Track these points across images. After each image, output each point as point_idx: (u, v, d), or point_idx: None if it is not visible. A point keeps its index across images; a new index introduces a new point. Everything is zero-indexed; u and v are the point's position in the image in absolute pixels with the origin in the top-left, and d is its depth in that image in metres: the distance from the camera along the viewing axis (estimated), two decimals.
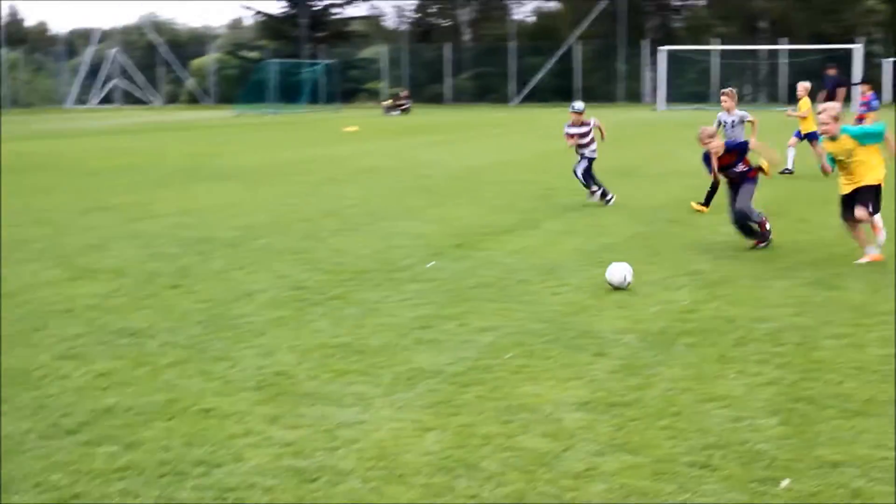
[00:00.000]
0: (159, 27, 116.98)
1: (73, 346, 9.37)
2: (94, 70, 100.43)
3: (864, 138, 13.17)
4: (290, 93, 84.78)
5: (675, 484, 6.03)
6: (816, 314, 10.35)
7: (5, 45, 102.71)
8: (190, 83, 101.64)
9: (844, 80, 30.56)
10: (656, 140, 38.34)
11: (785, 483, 6.00)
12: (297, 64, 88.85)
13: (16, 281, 12.46)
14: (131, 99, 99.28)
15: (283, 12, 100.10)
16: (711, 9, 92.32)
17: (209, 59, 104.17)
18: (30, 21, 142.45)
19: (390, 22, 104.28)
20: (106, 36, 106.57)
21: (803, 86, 26.13)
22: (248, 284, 12.14)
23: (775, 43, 79.77)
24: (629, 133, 41.81)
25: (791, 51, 75.82)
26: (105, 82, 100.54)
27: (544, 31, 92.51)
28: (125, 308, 10.98)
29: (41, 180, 25.99)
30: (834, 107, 13.64)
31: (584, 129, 19.87)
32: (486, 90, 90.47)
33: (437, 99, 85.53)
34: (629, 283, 11.39)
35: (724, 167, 14.80)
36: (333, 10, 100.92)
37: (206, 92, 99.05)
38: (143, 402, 7.71)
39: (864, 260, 13.12)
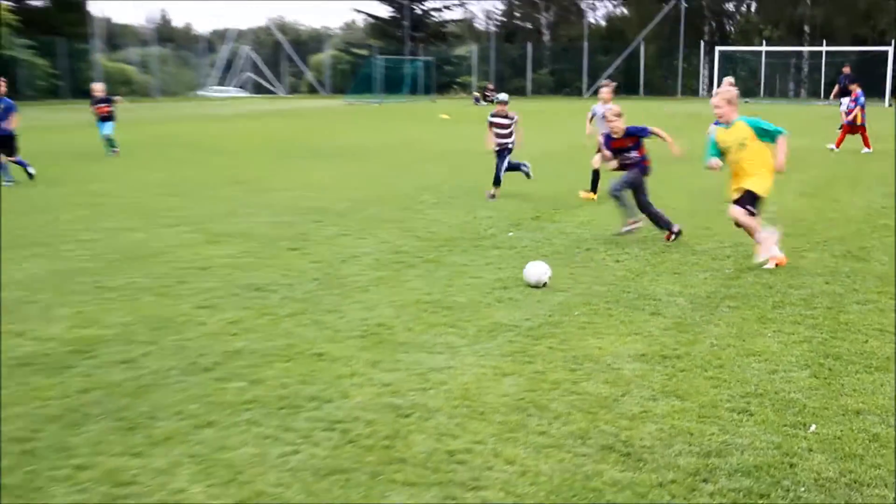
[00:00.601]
0: (284, 28, 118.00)
1: (209, 298, 9.54)
2: (228, 64, 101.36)
3: (761, 132, 10.93)
4: (393, 85, 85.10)
5: (718, 426, 6.03)
6: (845, 282, 10.24)
7: (157, 42, 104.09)
8: (309, 76, 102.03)
9: (855, 78, 30.12)
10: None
11: (813, 428, 5.99)
12: (400, 60, 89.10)
13: (161, 242, 12.67)
14: (260, 89, 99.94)
15: (390, 16, 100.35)
16: (761, 14, 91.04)
17: (325, 56, 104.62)
18: (177, 22, 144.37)
19: (480, 24, 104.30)
20: (240, 35, 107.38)
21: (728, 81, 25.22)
22: (355, 248, 12.24)
23: (817, 45, 78.60)
24: (686, 123, 41.33)
25: (830, 52, 74.53)
26: (239, 74, 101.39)
27: (614, 33, 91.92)
28: (252, 266, 11.13)
29: (183, 157, 26.33)
30: (728, 90, 11.31)
31: (506, 121, 18.09)
32: (562, 84, 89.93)
33: (519, 91, 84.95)
34: (545, 284, 10.07)
35: (619, 149, 13.11)
36: (432, 14, 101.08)
37: (322, 84, 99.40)
38: (266, 346, 7.84)
39: (766, 262, 10.96)
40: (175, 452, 5.67)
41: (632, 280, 10.41)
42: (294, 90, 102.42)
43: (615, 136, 13.06)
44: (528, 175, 18.55)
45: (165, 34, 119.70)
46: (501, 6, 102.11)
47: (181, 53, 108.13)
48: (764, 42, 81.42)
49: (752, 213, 11.00)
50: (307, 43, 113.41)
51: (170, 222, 14.40)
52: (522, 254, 11.78)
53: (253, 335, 8.20)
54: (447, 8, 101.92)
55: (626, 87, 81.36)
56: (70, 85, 79.37)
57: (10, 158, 19.72)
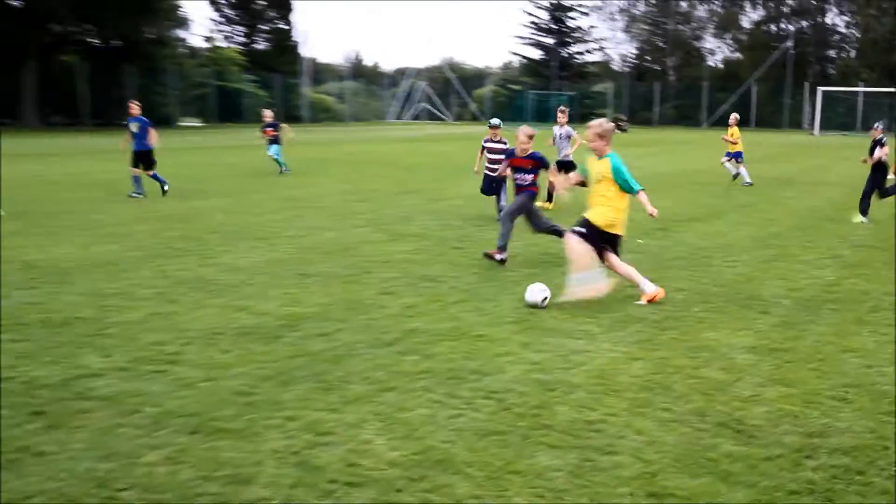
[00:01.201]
0: (453, 67, 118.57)
1: (390, 286, 9.62)
2: (407, 96, 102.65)
3: (620, 179, 9.05)
4: (542, 115, 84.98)
5: (819, 411, 5.82)
6: None
7: (352, 77, 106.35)
8: (472, 106, 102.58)
9: None
10: (813, 157, 36.62)
11: None
12: (547, 94, 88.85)
13: (350, 240, 12.86)
14: (432, 116, 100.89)
15: (541, 58, 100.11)
16: (859, 60, 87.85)
17: (486, 90, 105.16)
18: (367, 61, 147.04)
19: (616, 65, 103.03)
20: (418, 73, 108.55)
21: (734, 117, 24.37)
22: (510, 249, 12.21)
23: None
24: (792, 151, 40.17)
25: None
26: (415, 104, 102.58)
27: (729, 75, 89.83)
28: (425, 261, 11.19)
29: (370, 171, 26.69)
30: (600, 124, 9.36)
31: (500, 146, 15.49)
32: (684, 116, 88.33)
33: (647, 122, 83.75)
34: (546, 302, 8.86)
35: (517, 168, 11.63)
36: (576, 56, 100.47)
37: (483, 112, 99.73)
38: (437, 327, 7.87)
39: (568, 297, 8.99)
40: (363, 410, 5.74)
41: (743, 283, 10.12)
42: (459, 118, 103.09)
43: (519, 154, 11.69)
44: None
45: (358, 71, 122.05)
46: (634, 51, 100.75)
47: (370, 87, 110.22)
48: (861, 84, 78.57)
49: (585, 238, 9.08)
50: (472, 79, 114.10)
51: (358, 223, 14.61)
52: (649, 258, 11.58)
53: (426, 318, 8.24)
54: (588, 52, 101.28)
55: (740, 120, 79.93)
56: (283, 112, 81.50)
57: (147, 172, 18.86)
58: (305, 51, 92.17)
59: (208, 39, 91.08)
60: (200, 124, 74.52)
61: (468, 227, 14.37)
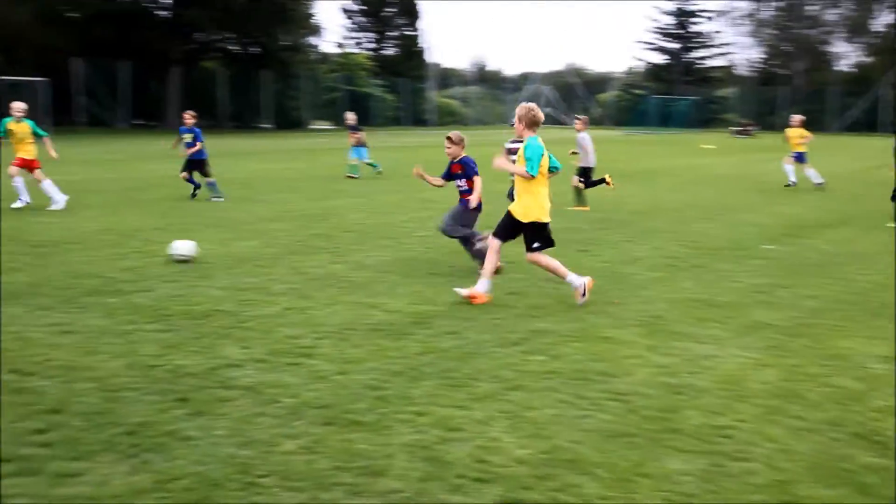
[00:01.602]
0: (577, 72, 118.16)
1: (516, 287, 9.58)
2: (530, 100, 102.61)
3: (525, 155, 8.71)
4: (665, 119, 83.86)
5: None
6: None
7: (476, 82, 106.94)
8: (596, 111, 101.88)
9: None
10: None
11: None
12: (672, 99, 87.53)
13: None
14: (555, 121, 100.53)
15: (664, 62, 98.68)
16: None
17: (609, 95, 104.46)
18: (491, 67, 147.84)
19: (741, 70, 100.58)
20: (542, 78, 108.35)
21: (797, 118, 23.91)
22: (635, 252, 12.05)
23: None
24: None
25: None
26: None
27: (859, 79, 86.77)
28: None
29: (493, 173, 26.56)
30: (521, 107, 8.95)
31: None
32: (811, 122, 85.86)
33: (770, 126, 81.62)
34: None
35: (452, 174, 11.10)
36: (700, 62, 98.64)
37: (608, 117, 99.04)
38: (562, 328, 7.80)
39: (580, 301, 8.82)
40: (491, 408, 5.72)
41: (876, 292, 9.74)
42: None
43: (451, 160, 11.09)
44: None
45: (482, 76, 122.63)
46: (760, 55, 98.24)
47: (494, 92, 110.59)
48: None
49: (535, 249, 8.90)
50: (595, 83, 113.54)
51: (482, 226, 14.57)
52: (778, 264, 11.27)
53: (551, 318, 8.18)
54: (713, 56, 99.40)
55: (868, 124, 77.50)
56: (410, 116, 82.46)
57: (206, 179, 18.51)
58: (432, 56, 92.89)
59: (340, 46, 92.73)
60: (331, 127, 75.81)
61: (594, 230, 14.22)
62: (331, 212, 16.12)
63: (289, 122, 70.55)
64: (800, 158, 22.83)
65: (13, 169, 16.05)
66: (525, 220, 8.85)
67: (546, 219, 8.91)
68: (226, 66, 69.92)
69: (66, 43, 59.86)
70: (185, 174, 18.64)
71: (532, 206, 8.82)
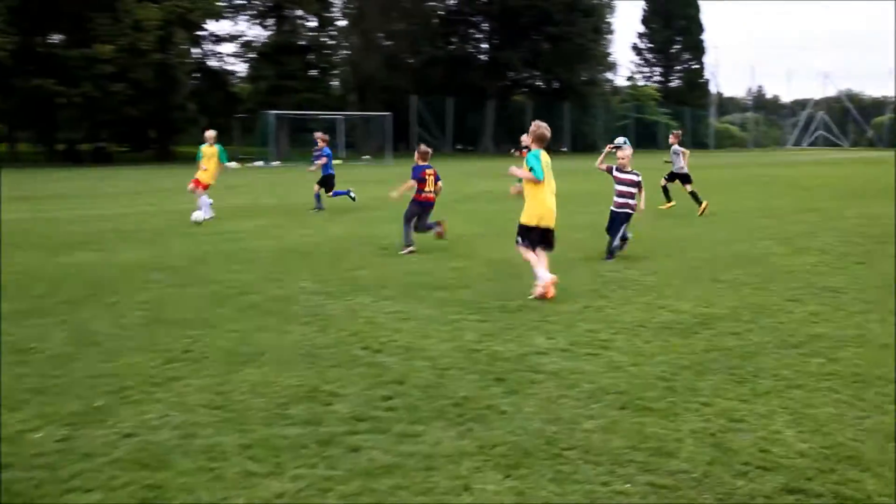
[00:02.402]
0: (851, 97, 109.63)
1: (794, 294, 8.96)
2: (806, 125, 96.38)
3: (528, 164, 8.86)
4: None
5: None
6: None
7: (753, 109, 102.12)
8: (869, 133, 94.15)
9: None
10: None
11: None
12: None
13: (756, 251, 12.20)
14: (828, 143, 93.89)
15: None
16: None
17: (885, 118, 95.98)
18: (768, 94, 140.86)
19: None
20: (815, 103, 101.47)
21: None
22: None
23: None
24: None
25: None
26: (813, 132, 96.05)
27: None
28: (826, 273, 10.32)
29: (772, 191, 25.27)
30: (534, 125, 9.02)
31: (631, 178, 11.62)
32: None
33: None
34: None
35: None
36: None
37: (881, 138, 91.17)
38: (840, 334, 7.20)
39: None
40: (773, 403, 5.41)
41: None
42: (855, 144, 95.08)
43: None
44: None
45: (760, 103, 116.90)
46: None
47: (770, 117, 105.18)
48: None
49: (520, 243, 9.10)
50: (869, 108, 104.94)
51: (763, 237, 13.85)
52: None
53: (830, 324, 7.59)
54: None
55: None
56: (690, 140, 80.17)
57: (328, 194, 19.11)
58: (713, 86, 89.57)
59: (629, 79, 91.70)
60: None
61: (870, 244, 13.05)
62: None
63: (583, 145, 70.72)
64: None
65: (198, 190, 17.17)
66: (521, 221, 9.08)
67: (537, 224, 8.99)
68: (532, 98, 71.10)
69: (406, 84, 63.47)
70: (329, 193, 19.30)
71: (530, 211, 9.02)
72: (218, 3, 55.29)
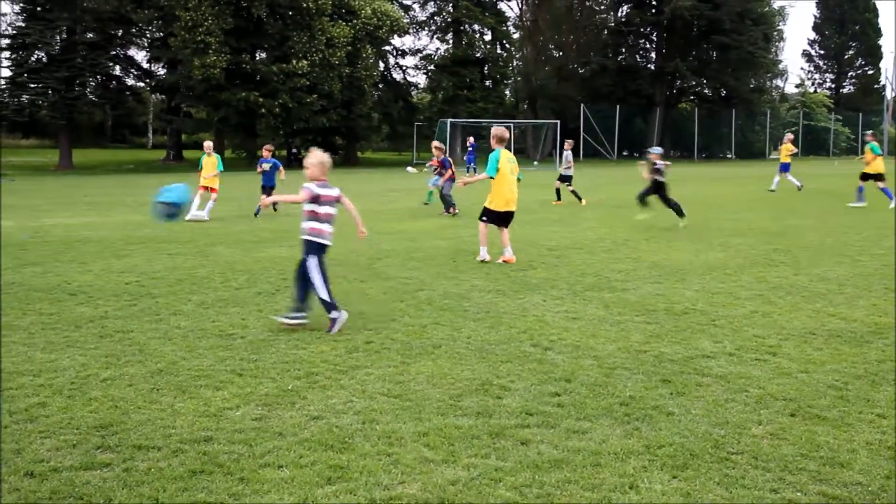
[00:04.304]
0: None
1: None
2: None
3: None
4: None
5: None
6: None
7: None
8: None
9: None
10: None
11: None
12: None
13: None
14: None
15: None
16: None
17: None
18: None
19: None
20: None
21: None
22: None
23: None
24: None
25: None
26: None
27: None
28: None
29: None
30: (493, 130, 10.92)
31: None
32: None
33: None
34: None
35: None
36: None
37: None
38: None
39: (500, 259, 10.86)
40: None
41: None
42: None
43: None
44: None
45: None
46: None
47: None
48: None
49: (483, 221, 10.96)
50: None
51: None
52: None
53: None
54: None
55: None
56: (860, 146, 74.98)
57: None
58: (889, 91, 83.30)
59: (799, 86, 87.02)
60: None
61: None
62: (792, 229, 15.07)
63: (749, 153, 67.72)
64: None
65: (208, 193, 17.94)
66: (489, 206, 10.82)
67: (501, 209, 10.82)
68: (699, 106, 68.73)
69: (576, 92, 62.98)
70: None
71: (498, 199, 10.76)
72: (403, 21, 56.66)
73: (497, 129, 10.82)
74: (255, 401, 5.29)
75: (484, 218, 10.96)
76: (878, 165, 20.07)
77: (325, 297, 7.06)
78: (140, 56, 60.68)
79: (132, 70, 59.25)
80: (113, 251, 12.46)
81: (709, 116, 67.74)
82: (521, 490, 3.96)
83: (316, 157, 7.25)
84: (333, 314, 7.06)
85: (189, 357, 6.32)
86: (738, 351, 6.48)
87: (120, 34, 55.21)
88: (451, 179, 18.25)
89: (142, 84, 61.73)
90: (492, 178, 10.75)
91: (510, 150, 11.40)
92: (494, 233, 11.20)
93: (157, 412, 5.05)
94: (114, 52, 55.18)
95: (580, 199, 20.70)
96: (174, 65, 52.94)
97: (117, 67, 57.20)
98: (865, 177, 20.01)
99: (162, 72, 58.18)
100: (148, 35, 57.45)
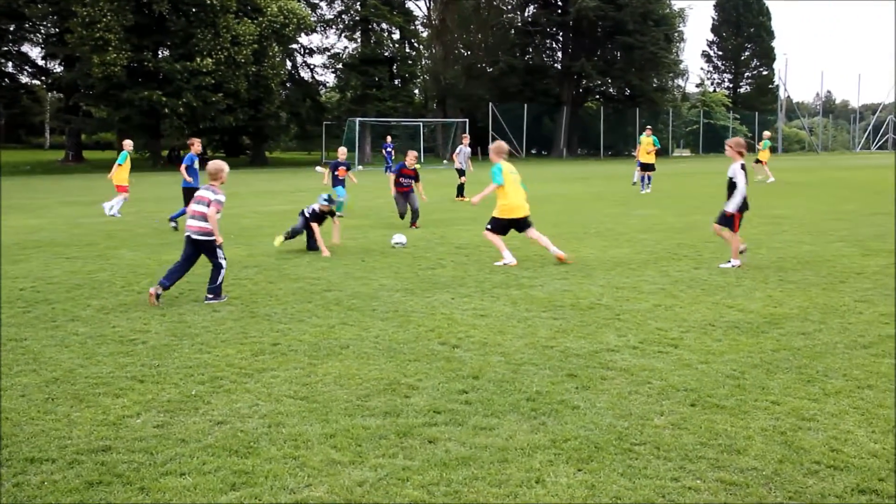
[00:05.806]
0: None
1: (864, 295, 8.57)
2: (875, 129, 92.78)
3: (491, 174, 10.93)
4: None
5: None
6: None
7: (821, 114, 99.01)
8: None
9: None
10: None
11: None
12: None
13: (826, 253, 11.74)
14: None
15: None
16: None
17: None
18: (837, 99, 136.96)
19: None
20: (883, 108, 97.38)
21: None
22: None
23: None
24: None
25: None
26: (882, 136, 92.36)
27: None
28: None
29: (841, 194, 24.36)
30: (495, 145, 11.18)
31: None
32: None
33: None
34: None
35: (407, 176, 15.55)
36: None
37: None
38: None
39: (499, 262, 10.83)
40: (843, 403, 5.17)
41: None
42: None
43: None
44: None
45: (828, 107, 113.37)
46: None
47: (838, 121, 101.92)
48: None
49: (488, 229, 11.04)
50: None
51: (832, 239, 13.33)
52: None
53: None
54: None
55: None
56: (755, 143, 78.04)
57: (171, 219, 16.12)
58: (781, 91, 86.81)
59: (699, 85, 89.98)
60: (689, 154, 73.87)
61: None
62: (693, 225, 15.54)
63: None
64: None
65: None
66: (495, 215, 10.93)
67: (506, 216, 10.89)
68: (604, 105, 70.26)
69: (485, 91, 63.51)
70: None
71: (500, 207, 10.86)
72: (310, 19, 56.00)
73: (496, 144, 11.11)
74: (156, 407, 5.14)
75: (489, 227, 11.01)
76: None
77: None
78: (35, 53, 58.41)
79: (26, 67, 56.96)
80: (7, 256, 11.93)
81: (614, 115, 69.37)
82: (428, 489, 3.96)
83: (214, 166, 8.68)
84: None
85: (87, 364, 6.10)
86: (642, 344, 6.64)
87: (12, 29, 52.92)
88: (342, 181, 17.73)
89: (37, 82, 59.38)
90: (501, 185, 10.78)
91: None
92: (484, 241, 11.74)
93: (51, 423, 4.86)
94: (6, 49, 52.91)
95: (462, 195, 21.92)
96: (72, 62, 51.05)
97: (10, 64, 54.87)
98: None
99: (59, 69, 56.03)
100: (42, 31, 55.25)
